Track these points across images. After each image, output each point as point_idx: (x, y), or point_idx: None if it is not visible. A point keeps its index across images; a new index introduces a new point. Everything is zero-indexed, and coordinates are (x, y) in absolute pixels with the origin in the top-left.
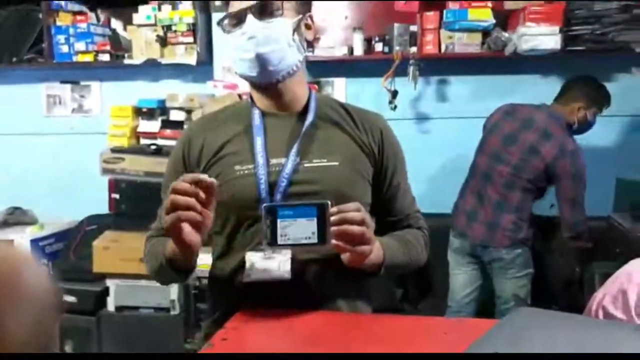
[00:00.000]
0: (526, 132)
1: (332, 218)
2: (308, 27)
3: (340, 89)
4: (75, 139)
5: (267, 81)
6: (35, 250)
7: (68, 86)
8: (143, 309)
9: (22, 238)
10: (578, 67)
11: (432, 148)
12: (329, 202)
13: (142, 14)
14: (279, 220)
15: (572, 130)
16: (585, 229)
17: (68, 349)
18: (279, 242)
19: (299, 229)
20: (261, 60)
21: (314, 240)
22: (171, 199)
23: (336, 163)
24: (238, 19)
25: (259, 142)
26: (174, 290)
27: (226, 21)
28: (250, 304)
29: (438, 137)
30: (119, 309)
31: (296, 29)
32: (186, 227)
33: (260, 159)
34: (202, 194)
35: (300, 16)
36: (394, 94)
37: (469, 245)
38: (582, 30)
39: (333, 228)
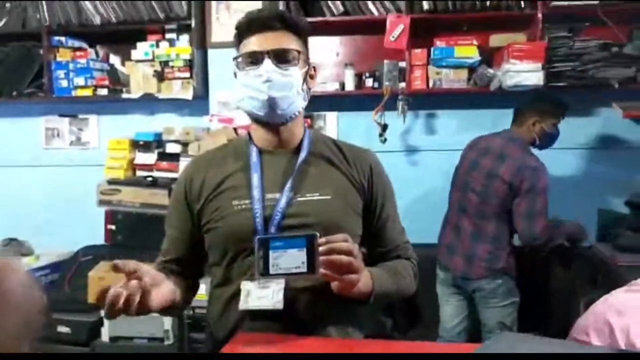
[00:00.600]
0: (484, 158)
1: (321, 248)
2: (311, 76)
3: (332, 122)
4: (73, 171)
5: (272, 121)
6: None
7: (66, 119)
8: (137, 339)
9: None
10: None
11: (420, 179)
12: (318, 234)
13: (140, 50)
14: (270, 252)
15: (537, 146)
16: (542, 242)
17: None
18: (271, 272)
19: (290, 259)
20: (272, 103)
21: (304, 269)
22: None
23: (328, 197)
24: (255, 60)
25: (255, 178)
26: (167, 321)
27: (241, 59)
28: (245, 330)
29: (426, 168)
30: (113, 339)
31: (304, 78)
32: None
33: (256, 194)
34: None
35: (307, 67)
36: (384, 127)
37: (451, 277)
38: (564, 67)
39: (322, 258)
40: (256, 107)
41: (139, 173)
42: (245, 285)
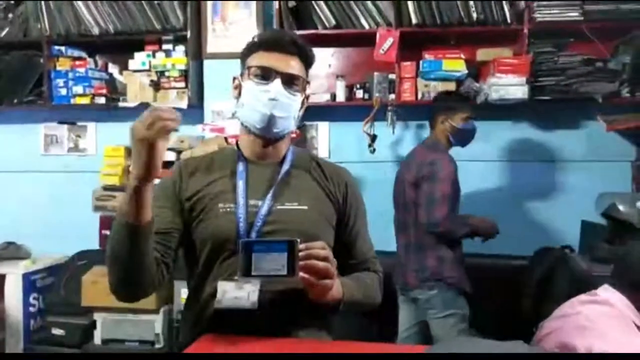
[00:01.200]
0: (403, 171)
1: (301, 254)
2: (303, 103)
3: (323, 132)
4: (70, 177)
5: (264, 136)
6: (27, 284)
7: (65, 126)
8: (128, 342)
9: (14, 272)
10: (545, 114)
11: None
12: (298, 240)
13: (138, 60)
14: (253, 254)
15: (455, 143)
16: (446, 230)
17: None
18: (253, 273)
19: (271, 262)
20: (272, 121)
21: (284, 272)
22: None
23: (305, 207)
24: (265, 75)
25: (240, 185)
26: (158, 324)
27: (252, 70)
28: (218, 330)
29: None
30: (105, 342)
31: (301, 105)
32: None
33: (240, 199)
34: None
35: (304, 95)
36: (373, 138)
37: (399, 288)
38: (548, 81)
39: (301, 262)
40: (255, 120)
41: None
42: (222, 286)
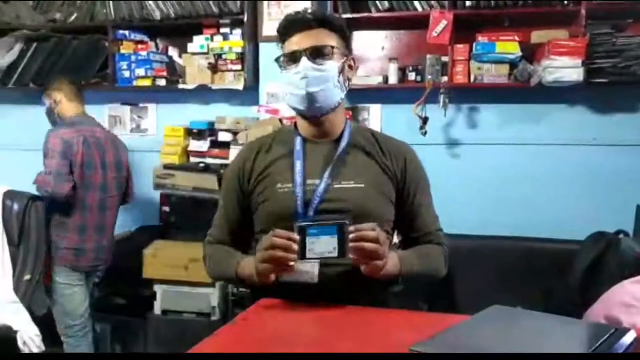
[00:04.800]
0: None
1: (351, 236)
2: (350, 67)
3: (376, 114)
4: (132, 156)
5: (312, 114)
6: None
7: (128, 108)
8: (186, 314)
9: None
10: (601, 97)
11: (461, 172)
12: (348, 222)
13: (196, 43)
14: (307, 238)
15: None
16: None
17: (118, 348)
18: (307, 256)
19: (323, 245)
20: (311, 98)
21: (335, 254)
22: (270, 254)
23: (362, 185)
24: (293, 59)
25: (298, 165)
26: (214, 297)
27: (282, 59)
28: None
29: (467, 161)
30: (165, 312)
31: (342, 70)
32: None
33: (298, 179)
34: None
35: (345, 58)
36: (425, 120)
37: None
38: (605, 63)
39: (351, 244)
40: (297, 102)
41: (193, 159)
42: None
